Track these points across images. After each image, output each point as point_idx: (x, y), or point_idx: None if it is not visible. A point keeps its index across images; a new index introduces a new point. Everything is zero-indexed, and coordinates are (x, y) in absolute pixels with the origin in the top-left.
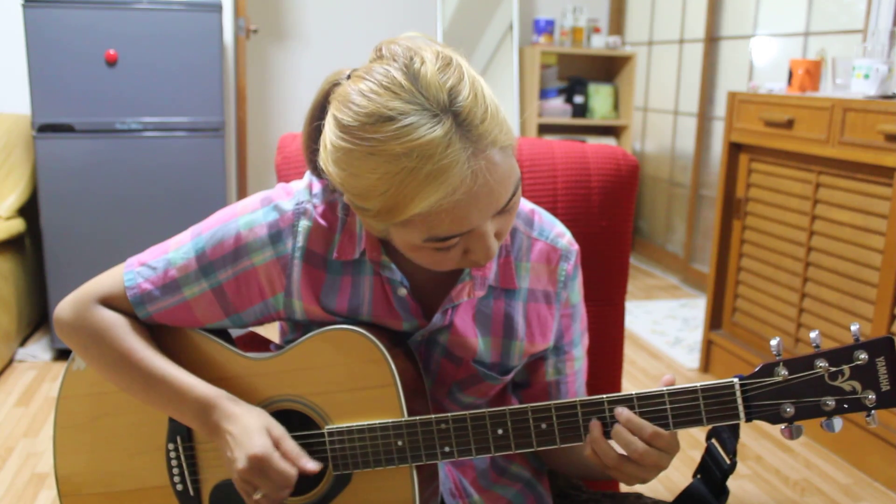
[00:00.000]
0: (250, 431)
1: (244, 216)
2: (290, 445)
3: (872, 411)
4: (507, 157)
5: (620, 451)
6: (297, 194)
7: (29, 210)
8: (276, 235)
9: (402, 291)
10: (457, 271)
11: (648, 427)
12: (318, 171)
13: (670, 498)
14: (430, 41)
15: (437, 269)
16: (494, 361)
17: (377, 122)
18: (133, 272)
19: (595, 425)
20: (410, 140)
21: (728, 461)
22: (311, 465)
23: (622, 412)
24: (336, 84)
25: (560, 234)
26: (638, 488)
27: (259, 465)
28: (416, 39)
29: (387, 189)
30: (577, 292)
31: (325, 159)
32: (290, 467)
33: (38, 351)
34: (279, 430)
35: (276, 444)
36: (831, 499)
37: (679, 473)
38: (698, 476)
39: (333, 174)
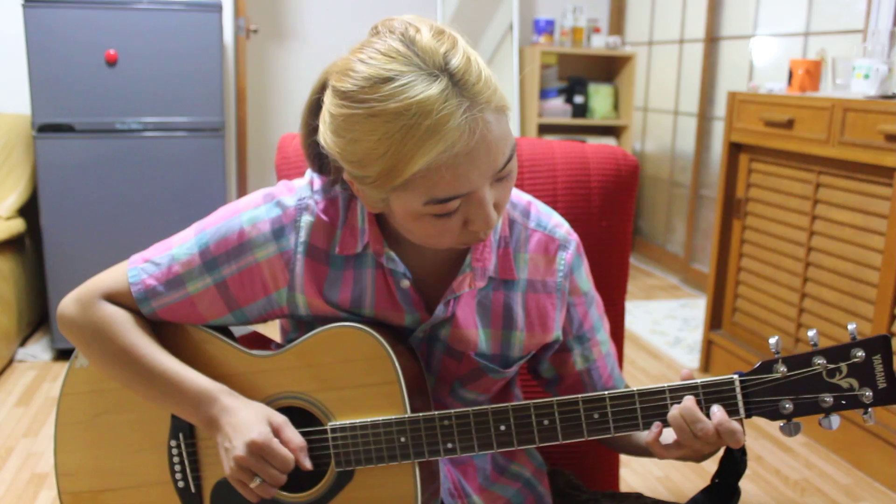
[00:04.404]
0: (249, 420)
1: (247, 212)
2: (292, 434)
3: (869, 408)
4: (502, 119)
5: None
6: (298, 190)
7: (29, 210)
8: (278, 231)
9: (405, 283)
10: (457, 263)
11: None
12: (316, 166)
13: (671, 498)
14: (424, 19)
15: (438, 246)
16: (495, 353)
17: (375, 84)
18: (137, 268)
19: (657, 426)
20: (408, 98)
21: (739, 461)
22: (307, 463)
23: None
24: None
25: (558, 224)
26: (638, 488)
27: (258, 452)
28: (410, 18)
29: (386, 150)
30: (585, 280)
31: (323, 132)
32: (290, 454)
33: (38, 351)
34: (280, 418)
35: (277, 432)
36: (831, 499)
37: (679, 473)
38: (716, 480)
39: (332, 145)
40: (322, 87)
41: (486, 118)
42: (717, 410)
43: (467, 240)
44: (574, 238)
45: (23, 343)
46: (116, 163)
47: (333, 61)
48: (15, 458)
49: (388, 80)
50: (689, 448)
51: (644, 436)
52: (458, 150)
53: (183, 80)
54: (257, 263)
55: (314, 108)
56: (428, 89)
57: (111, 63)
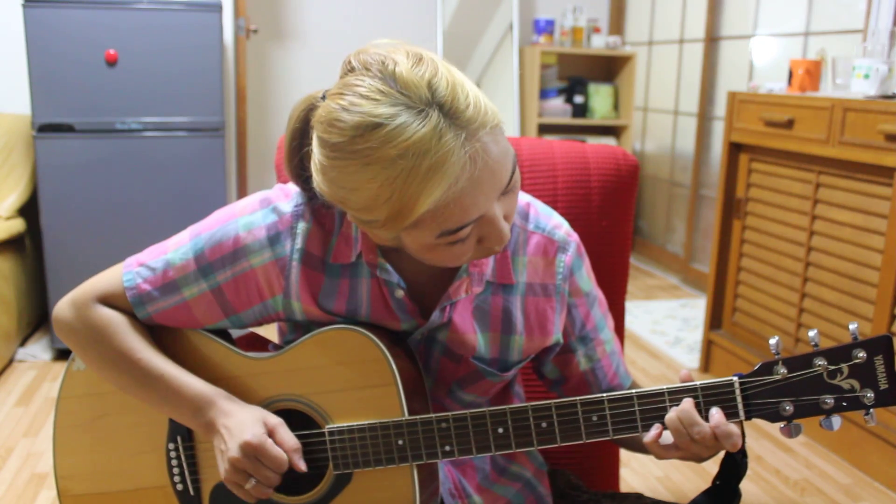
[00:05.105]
0: (244, 422)
1: (243, 217)
2: (286, 435)
3: (871, 410)
4: (499, 136)
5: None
6: (295, 196)
7: (29, 210)
8: (274, 238)
9: (400, 293)
10: (454, 269)
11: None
12: (310, 192)
13: (671, 498)
14: (396, 43)
15: (456, 264)
16: (494, 357)
17: (366, 132)
18: (132, 272)
19: (656, 427)
20: (403, 140)
21: (740, 462)
22: (301, 465)
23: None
24: (312, 107)
25: (557, 225)
26: (638, 488)
27: (252, 452)
28: (382, 46)
29: (390, 195)
30: (586, 280)
31: (319, 182)
32: (283, 454)
33: (38, 351)
34: (274, 419)
35: (272, 433)
36: (831, 499)
37: (680, 474)
38: (717, 482)
39: (332, 194)
40: (302, 129)
41: (484, 143)
42: (716, 413)
43: (483, 254)
44: (574, 239)
45: (23, 343)
46: (116, 163)
47: (308, 95)
48: (15, 458)
49: (378, 125)
50: (687, 451)
51: (644, 437)
52: (462, 183)
53: (183, 79)
54: (252, 270)
55: (298, 135)
56: (421, 128)
57: (111, 63)
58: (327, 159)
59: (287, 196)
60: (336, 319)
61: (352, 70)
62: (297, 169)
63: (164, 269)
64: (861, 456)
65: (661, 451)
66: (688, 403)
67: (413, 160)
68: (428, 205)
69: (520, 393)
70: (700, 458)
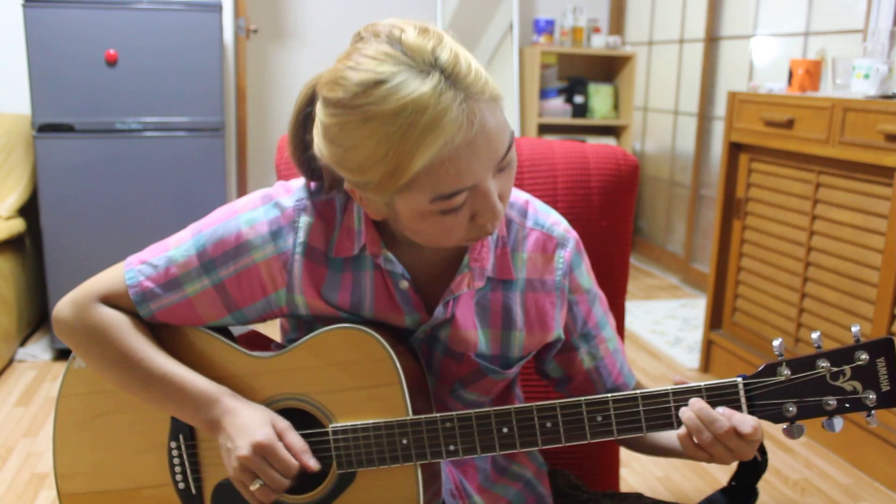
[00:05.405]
0: (253, 422)
1: (245, 213)
2: (294, 438)
3: (873, 411)
4: (498, 109)
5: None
6: (296, 191)
7: (29, 210)
8: (277, 232)
9: (404, 284)
10: (455, 264)
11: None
12: (308, 173)
13: (671, 498)
14: (406, 20)
15: (447, 244)
16: (495, 354)
17: (368, 89)
18: (134, 270)
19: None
20: (402, 97)
21: (759, 459)
22: (313, 463)
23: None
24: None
25: (556, 222)
26: (638, 488)
27: (262, 453)
28: (394, 20)
29: (387, 152)
30: (586, 277)
31: (319, 144)
32: (293, 459)
33: (38, 351)
34: (283, 422)
35: (280, 436)
36: (831, 499)
37: (679, 474)
38: (733, 483)
39: (330, 155)
40: (309, 100)
41: (482, 108)
42: (724, 410)
43: (476, 235)
44: (573, 236)
45: (23, 343)
46: (116, 163)
47: (318, 74)
48: (15, 458)
49: (380, 82)
50: (712, 450)
51: (671, 435)
52: (458, 143)
53: (183, 79)
54: (255, 265)
55: (303, 121)
56: (421, 86)
57: (111, 63)
58: (329, 117)
59: (289, 192)
60: (340, 314)
61: (361, 39)
62: (300, 132)
63: (166, 266)
64: (861, 456)
65: (692, 450)
66: (700, 402)
67: (411, 117)
68: (423, 161)
69: (520, 395)
70: (724, 461)
